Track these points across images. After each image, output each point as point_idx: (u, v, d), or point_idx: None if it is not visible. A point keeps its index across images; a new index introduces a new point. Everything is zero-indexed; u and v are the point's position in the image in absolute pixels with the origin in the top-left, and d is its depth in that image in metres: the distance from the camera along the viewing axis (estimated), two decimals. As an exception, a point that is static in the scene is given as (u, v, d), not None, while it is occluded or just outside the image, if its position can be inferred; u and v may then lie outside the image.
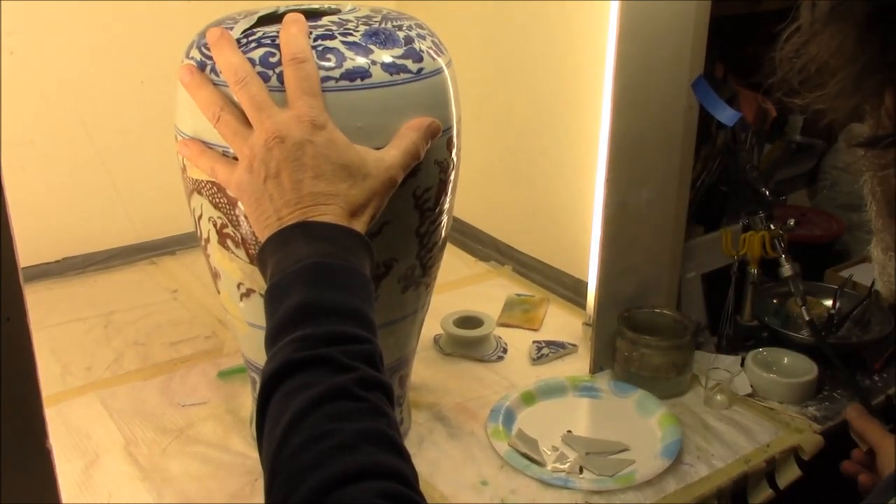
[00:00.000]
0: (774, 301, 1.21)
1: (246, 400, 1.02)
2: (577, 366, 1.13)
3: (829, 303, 1.19)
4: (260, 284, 0.82)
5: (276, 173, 0.70)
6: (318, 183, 0.70)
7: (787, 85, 0.45)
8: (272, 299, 0.66)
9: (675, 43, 1.00)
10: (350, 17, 0.81)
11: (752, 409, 1.03)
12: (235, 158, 0.74)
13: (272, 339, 0.64)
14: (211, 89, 0.75)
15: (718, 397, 1.03)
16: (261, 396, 0.61)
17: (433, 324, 1.12)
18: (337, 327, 0.63)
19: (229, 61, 0.73)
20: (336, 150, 0.71)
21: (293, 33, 0.74)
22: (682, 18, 1.00)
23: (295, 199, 0.69)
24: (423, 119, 0.77)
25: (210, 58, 0.77)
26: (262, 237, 0.70)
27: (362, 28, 0.79)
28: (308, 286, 0.64)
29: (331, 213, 0.69)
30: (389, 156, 0.74)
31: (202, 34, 0.81)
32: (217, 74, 0.76)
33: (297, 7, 0.85)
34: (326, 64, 0.75)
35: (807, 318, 1.10)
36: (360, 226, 0.71)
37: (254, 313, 0.84)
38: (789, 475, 0.97)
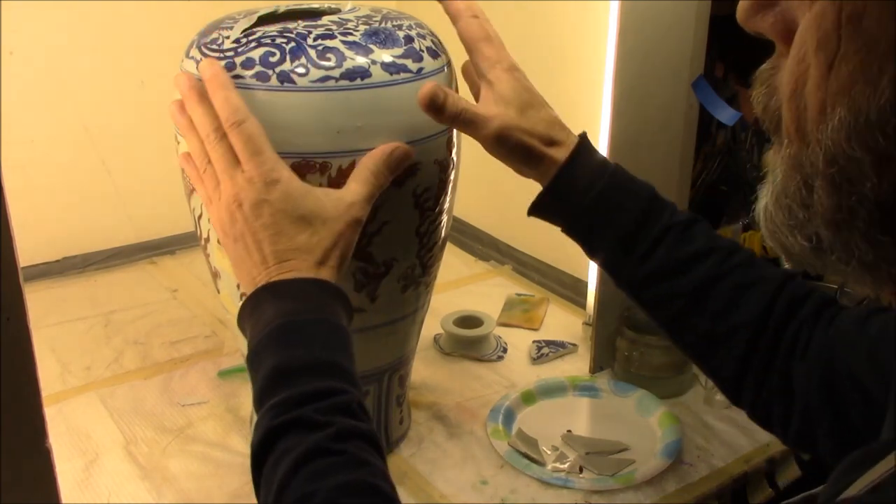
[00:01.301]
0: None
1: (246, 399, 1.02)
2: (577, 365, 1.13)
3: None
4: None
5: (241, 236, 0.71)
6: (278, 240, 0.70)
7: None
8: (251, 368, 0.67)
9: (676, 42, 1.00)
10: (350, 16, 0.81)
11: (752, 408, 1.03)
12: None
13: (257, 408, 0.64)
14: (208, 111, 0.74)
15: (718, 397, 1.03)
16: (252, 470, 0.62)
17: (433, 323, 1.12)
18: (307, 386, 0.63)
19: (227, 99, 0.72)
20: (292, 202, 0.70)
21: (221, 97, 0.72)
22: (683, 18, 1.00)
23: (260, 260, 0.70)
24: (385, 147, 0.75)
25: (210, 57, 0.77)
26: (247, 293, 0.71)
27: (362, 27, 0.79)
28: (277, 349, 0.65)
29: (296, 269, 0.69)
30: (350, 192, 0.73)
31: (202, 33, 0.81)
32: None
33: (297, 7, 0.85)
34: (326, 63, 0.75)
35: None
36: (329, 272, 0.70)
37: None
38: (789, 475, 0.97)
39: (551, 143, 0.77)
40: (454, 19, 0.80)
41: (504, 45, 0.81)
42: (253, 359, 0.66)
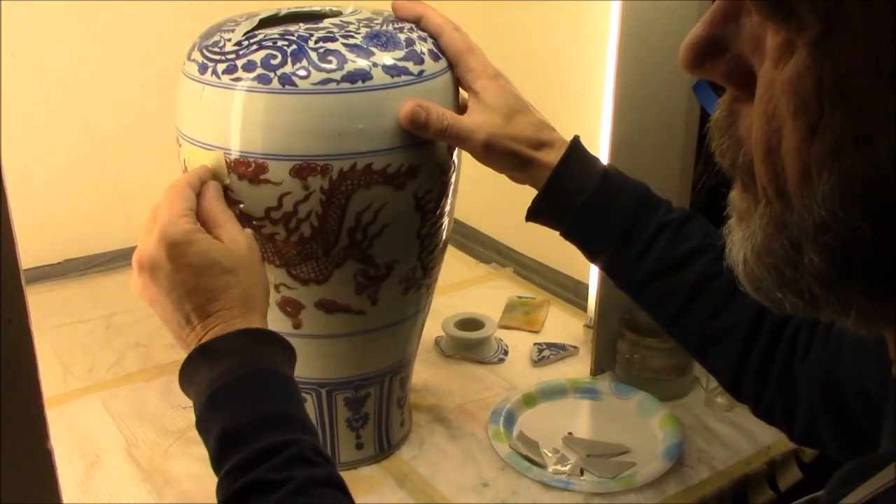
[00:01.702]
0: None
1: (247, 401, 1.02)
2: (578, 368, 1.13)
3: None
4: (261, 286, 0.82)
5: (156, 299, 0.70)
6: (195, 297, 0.68)
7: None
8: (202, 435, 0.66)
9: (677, 45, 1.00)
10: (351, 19, 0.81)
11: (753, 411, 1.03)
12: None
13: (216, 473, 0.64)
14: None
15: (719, 399, 1.03)
16: None
17: (434, 326, 1.12)
18: (256, 445, 0.62)
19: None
20: (197, 255, 0.69)
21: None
22: (684, 20, 1.00)
23: (185, 320, 0.69)
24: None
25: (212, 60, 0.78)
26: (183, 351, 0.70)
27: (363, 30, 0.79)
28: (221, 413, 0.64)
29: (222, 322, 0.68)
30: (234, 232, 0.72)
31: (204, 36, 0.81)
32: (218, 76, 0.76)
33: (299, 10, 0.85)
34: (328, 66, 0.75)
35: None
36: (259, 317, 0.70)
37: (255, 315, 0.84)
38: (790, 477, 0.97)
39: (540, 146, 0.78)
40: (437, 34, 0.82)
41: (486, 56, 0.82)
42: (201, 426, 0.66)
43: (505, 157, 0.78)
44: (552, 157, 0.78)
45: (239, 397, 0.65)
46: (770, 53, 0.33)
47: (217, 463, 0.63)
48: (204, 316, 0.68)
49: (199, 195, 0.74)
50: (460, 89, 0.83)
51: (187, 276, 0.68)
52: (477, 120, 0.78)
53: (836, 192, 0.32)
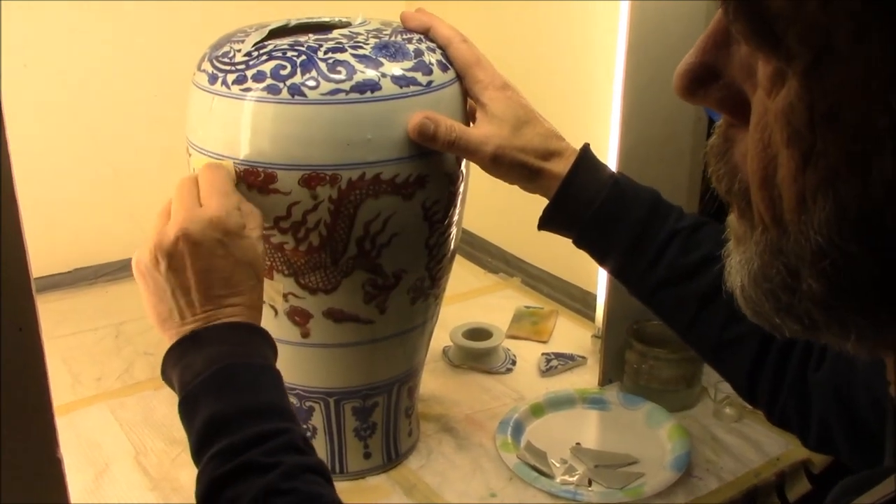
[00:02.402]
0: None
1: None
2: (586, 378, 1.13)
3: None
4: (269, 295, 0.82)
5: (173, 272, 0.69)
6: (221, 284, 0.69)
7: None
8: (185, 418, 0.66)
9: (685, 53, 1.00)
10: (360, 30, 0.82)
11: (762, 421, 1.02)
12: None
13: (196, 456, 0.65)
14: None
15: (728, 410, 1.03)
16: None
17: (442, 335, 1.12)
18: (248, 431, 0.63)
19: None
20: (240, 249, 0.70)
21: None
22: (693, 30, 1.01)
23: (187, 303, 0.69)
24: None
25: (222, 70, 0.78)
26: (166, 339, 0.70)
27: (372, 41, 0.79)
28: (212, 397, 0.65)
29: (233, 315, 0.69)
30: (258, 239, 0.73)
31: (214, 46, 0.82)
32: (229, 87, 0.77)
33: (308, 21, 0.86)
34: (337, 76, 0.75)
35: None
36: (258, 315, 0.72)
37: (263, 324, 0.84)
38: (799, 488, 0.97)
39: (549, 156, 0.78)
40: (445, 45, 0.83)
41: (494, 67, 0.82)
42: (185, 407, 0.66)
43: (513, 168, 0.78)
44: (561, 166, 0.78)
45: (233, 385, 0.66)
46: (762, 82, 0.33)
47: (200, 446, 0.64)
48: (219, 305, 0.69)
49: None
50: (469, 100, 0.84)
51: (225, 265, 0.69)
52: (485, 132, 0.78)
53: (832, 219, 0.32)
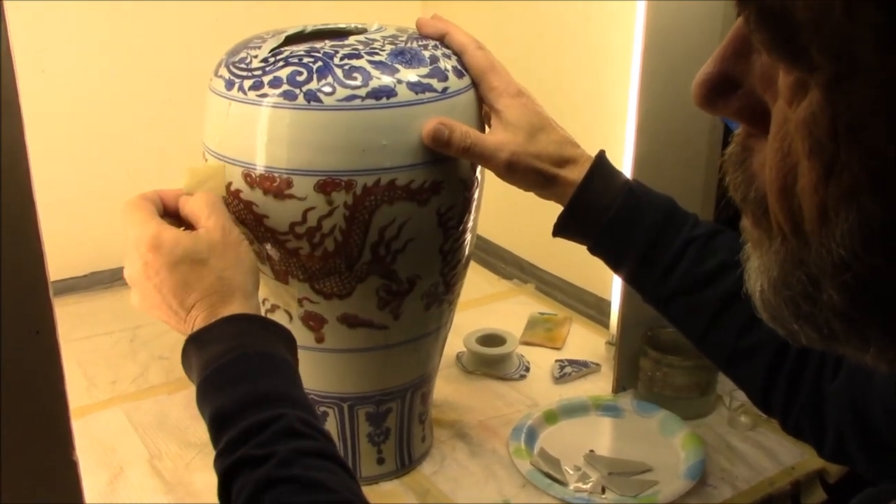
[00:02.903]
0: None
1: (269, 415, 1.02)
2: (600, 385, 1.12)
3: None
4: (284, 300, 0.83)
5: (152, 307, 0.73)
6: (178, 291, 0.71)
7: None
8: (201, 412, 0.67)
9: (700, 61, 1.00)
10: (376, 36, 0.82)
11: (777, 430, 1.02)
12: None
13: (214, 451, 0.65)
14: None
15: (742, 418, 1.02)
16: None
17: (456, 341, 1.12)
18: (242, 424, 0.63)
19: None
20: (170, 253, 0.71)
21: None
22: (708, 37, 1.00)
23: (173, 314, 0.71)
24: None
25: (238, 76, 0.78)
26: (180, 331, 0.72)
27: (388, 47, 0.79)
28: (209, 398, 0.66)
29: (202, 313, 0.70)
30: (216, 220, 0.74)
31: (231, 53, 0.82)
32: (245, 93, 0.77)
33: (324, 27, 0.86)
34: (353, 83, 0.76)
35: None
36: (241, 299, 0.72)
37: (278, 329, 0.85)
38: (814, 498, 0.96)
39: (564, 163, 0.78)
40: (461, 52, 0.83)
41: (510, 73, 0.82)
42: (200, 412, 0.67)
43: (528, 175, 0.78)
44: (576, 173, 0.78)
45: (225, 381, 0.66)
46: (783, 92, 0.33)
47: (214, 445, 0.65)
48: (186, 309, 0.70)
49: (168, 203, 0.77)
50: (484, 107, 0.84)
51: (165, 276, 0.70)
52: (499, 138, 0.78)
53: (855, 231, 0.31)
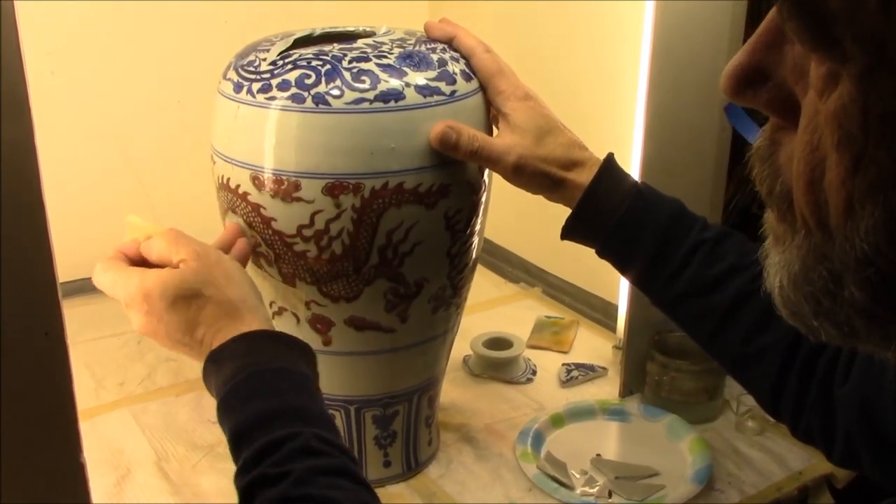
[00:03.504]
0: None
1: (276, 418, 1.02)
2: (607, 389, 1.12)
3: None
4: (291, 303, 0.83)
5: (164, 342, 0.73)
6: (184, 332, 0.71)
7: None
8: (224, 432, 0.67)
9: (708, 65, 1.00)
10: (384, 39, 0.82)
11: (785, 435, 1.02)
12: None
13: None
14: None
15: (750, 423, 1.02)
16: None
17: (462, 345, 1.12)
18: (257, 443, 0.63)
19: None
20: (164, 289, 0.71)
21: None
22: (716, 41, 1.00)
23: (182, 343, 0.71)
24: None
25: (247, 79, 0.79)
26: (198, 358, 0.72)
27: (396, 50, 0.80)
28: (227, 417, 0.65)
29: (210, 339, 0.70)
30: (191, 251, 0.74)
31: (239, 55, 0.83)
32: (254, 95, 0.77)
33: (333, 30, 0.86)
34: (361, 86, 0.76)
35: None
36: (249, 315, 0.71)
37: (286, 331, 0.85)
38: (822, 503, 0.96)
39: (571, 165, 0.78)
40: (468, 55, 0.83)
41: (517, 77, 0.82)
42: (220, 422, 0.67)
43: (536, 178, 0.78)
44: (584, 176, 0.78)
45: (238, 400, 0.66)
46: (814, 83, 0.33)
47: (234, 463, 0.65)
48: (198, 341, 0.70)
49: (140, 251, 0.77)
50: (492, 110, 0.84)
51: (168, 319, 0.70)
52: (507, 141, 0.78)
53: (880, 226, 0.31)
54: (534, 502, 0.91)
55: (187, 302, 0.70)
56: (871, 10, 0.29)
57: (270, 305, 0.84)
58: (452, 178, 0.80)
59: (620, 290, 1.15)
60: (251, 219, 0.80)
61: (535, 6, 1.30)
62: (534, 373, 1.15)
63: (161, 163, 1.36)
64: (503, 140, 0.79)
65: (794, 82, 0.35)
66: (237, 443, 0.64)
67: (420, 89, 0.78)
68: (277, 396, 0.65)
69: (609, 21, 1.20)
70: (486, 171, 0.85)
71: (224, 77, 0.82)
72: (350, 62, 0.77)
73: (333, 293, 0.81)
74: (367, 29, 0.87)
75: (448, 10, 1.26)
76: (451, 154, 0.78)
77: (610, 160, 0.79)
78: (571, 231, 0.80)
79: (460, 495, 0.92)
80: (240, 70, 0.80)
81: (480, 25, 1.31)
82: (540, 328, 1.26)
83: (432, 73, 0.79)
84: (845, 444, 0.68)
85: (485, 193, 0.86)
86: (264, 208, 0.79)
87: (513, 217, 1.29)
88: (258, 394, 0.65)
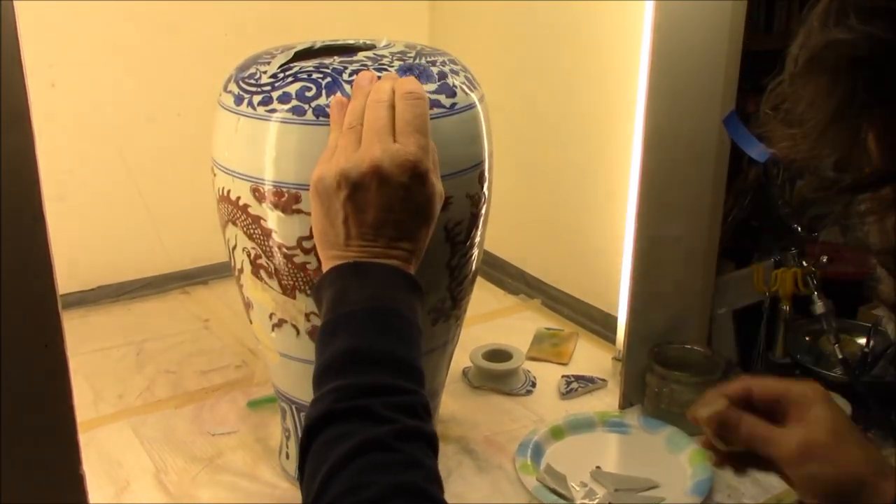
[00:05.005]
0: (807, 338, 1.19)
1: (275, 430, 1.02)
2: (607, 401, 1.12)
3: (862, 341, 1.17)
4: (291, 315, 0.83)
5: (356, 200, 0.69)
6: (397, 226, 0.69)
7: (771, 135, 0.45)
8: (323, 339, 0.66)
9: (707, 78, 1.01)
10: (385, 52, 0.82)
11: (785, 447, 1.02)
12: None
13: (318, 381, 0.64)
14: (362, 103, 0.73)
15: (750, 435, 1.02)
16: (303, 439, 0.61)
17: (462, 356, 1.12)
18: (379, 378, 0.63)
19: (381, 87, 0.73)
20: (425, 197, 0.70)
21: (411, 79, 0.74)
22: (715, 53, 1.01)
23: (360, 234, 0.69)
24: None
25: (248, 91, 0.79)
26: (323, 257, 0.71)
27: (397, 63, 0.80)
28: (356, 333, 0.65)
29: (398, 258, 0.69)
30: (440, 188, 0.73)
31: (240, 68, 0.83)
32: (254, 108, 0.77)
33: (333, 43, 0.87)
34: (361, 98, 0.76)
35: (840, 357, 1.08)
36: (415, 269, 0.71)
37: (285, 343, 0.85)
38: (822, 516, 0.95)
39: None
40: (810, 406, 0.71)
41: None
42: (326, 330, 0.66)
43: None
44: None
45: (380, 328, 0.65)
46: None
47: (326, 372, 0.63)
48: (391, 245, 0.69)
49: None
50: None
51: (403, 208, 0.69)
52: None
53: None
54: (533, 515, 0.91)
55: (425, 223, 0.71)
56: None
57: (270, 317, 0.84)
58: (452, 189, 0.80)
59: (620, 302, 1.15)
60: (251, 230, 0.80)
61: (536, 7, 1.30)
62: (533, 385, 1.15)
63: (161, 174, 1.36)
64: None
65: None
66: (352, 362, 0.63)
67: (420, 102, 0.78)
68: (411, 349, 0.66)
69: (609, 33, 1.20)
70: (487, 183, 0.85)
71: (225, 89, 0.82)
72: (351, 75, 0.77)
73: (333, 305, 0.81)
74: (368, 42, 0.87)
75: (448, 11, 1.27)
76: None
77: None
78: None
79: (460, 508, 0.92)
80: (241, 82, 0.80)
81: (480, 26, 1.31)
82: (539, 340, 1.26)
83: (432, 86, 0.79)
84: None
85: (485, 206, 0.86)
86: (264, 220, 0.79)
87: (513, 229, 1.29)
88: (392, 333, 0.65)
